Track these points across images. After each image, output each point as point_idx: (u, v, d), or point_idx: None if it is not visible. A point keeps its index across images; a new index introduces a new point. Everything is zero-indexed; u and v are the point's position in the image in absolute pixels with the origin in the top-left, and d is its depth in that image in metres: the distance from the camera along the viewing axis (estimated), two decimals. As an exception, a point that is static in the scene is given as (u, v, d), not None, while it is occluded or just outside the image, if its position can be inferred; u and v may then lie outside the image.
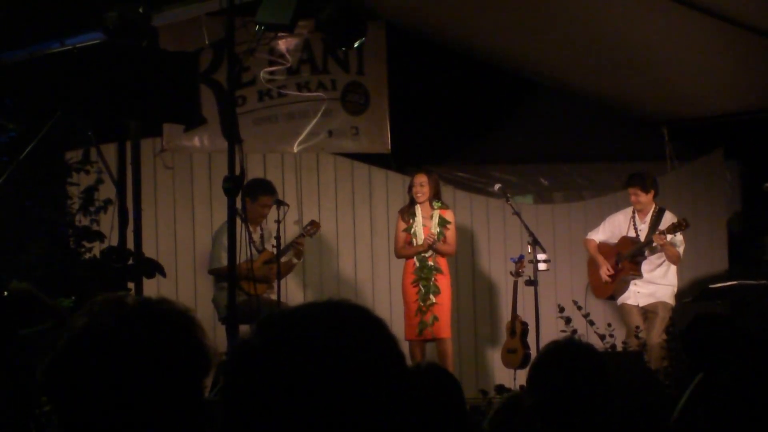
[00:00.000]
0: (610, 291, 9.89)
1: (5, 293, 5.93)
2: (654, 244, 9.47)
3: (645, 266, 9.67)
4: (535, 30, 10.10)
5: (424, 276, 9.58)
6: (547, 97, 11.73)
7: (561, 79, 11.40)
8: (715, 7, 8.81)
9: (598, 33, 9.88)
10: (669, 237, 9.36)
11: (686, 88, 10.73)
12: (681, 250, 9.61)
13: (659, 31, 9.58)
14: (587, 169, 12.06)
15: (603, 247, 9.93)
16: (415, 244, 9.64)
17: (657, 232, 9.42)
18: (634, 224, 9.80)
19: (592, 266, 10.07)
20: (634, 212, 9.84)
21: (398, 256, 9.87)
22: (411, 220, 9.68)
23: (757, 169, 11.66)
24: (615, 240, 9.87)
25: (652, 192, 9.76)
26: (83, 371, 1.85)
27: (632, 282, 9.72)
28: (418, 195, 9.65)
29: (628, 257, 9.65)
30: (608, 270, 9.75)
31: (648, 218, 9.74)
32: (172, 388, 1.86)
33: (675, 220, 9.41)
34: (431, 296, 9.54)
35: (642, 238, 9.65)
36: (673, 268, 9.76)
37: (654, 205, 9.79)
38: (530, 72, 11.52)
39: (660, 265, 9.69)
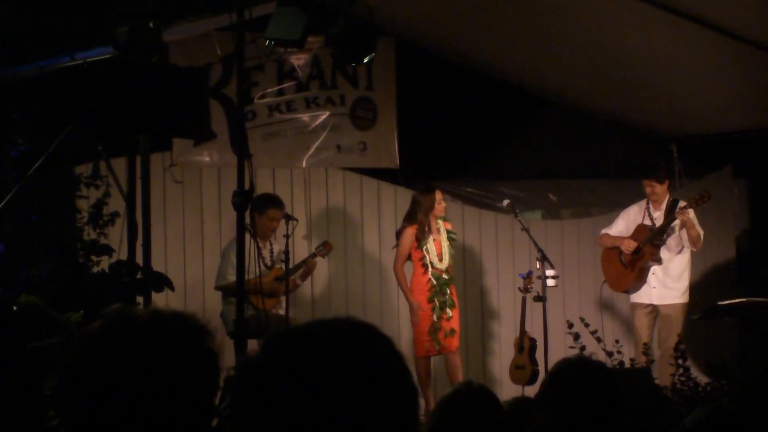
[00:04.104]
0: (629, 283, 9.86)
1: (14, 307, 5.94)
2: (676, 222, 9.48)
3: (664, 253, 9.70)
4: (544, 47, 10.11)
5: (440, 290, 9.55)
6: (556, 113, 11.74)
7: (569, 96, 11.41)
8: (723, 24, 8.81)
9: (607, 50, 9.88)
10: (691, 213, 9.39)
11: (695, 105, 10.73)
12: (701, 232, 9.63)
13: (668, 48, 9.58)
14: (596, 186, 12.05)
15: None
16: (428, 261, 9.60)
17: (679, 208, 9.45)
18: (649, 213, 9.84)
19: (606, 262, 10.05)
20: (648, 203, 9.87)
21: (396, 271, 9.78)
22: (427, 237, 9.60)
23: (765, 187, 11.66)
24: (628, 233, 9.88)
25: (667, 182, 9.88)
26: (93, 386, 1.85)
27: (651, 272, 9.73)
28: (441, 211, 9.68)
29: (648, 241, 9.65)
30: (631, 242, 9.73)
31: (663, 206, 9.78)
32: (183, 400, 1.87)
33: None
34: (448, 310, 9.52)
35: (657, 226, 9.69)
36: (689, 267, 9.80)
37: (668, 195, 9.84)
38: (539, 88, 11.53)
39: (679, 253, 9.73)
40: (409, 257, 9.74)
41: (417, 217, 9.67)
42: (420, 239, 9.64)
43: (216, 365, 1.94)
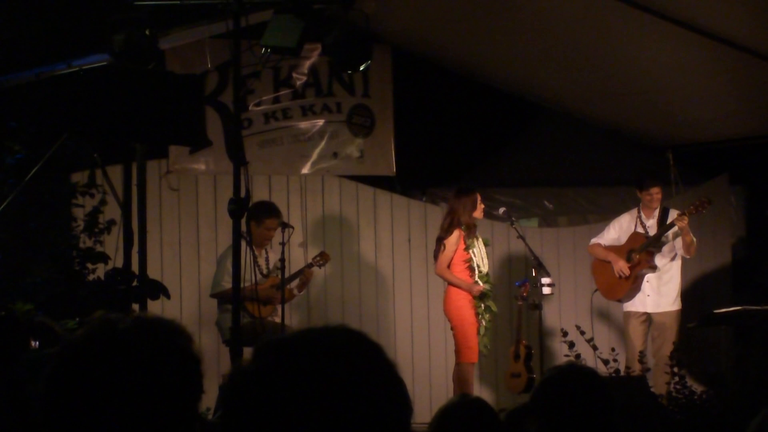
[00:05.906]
0: (624, 291, 9.84)
1: (13, 313, 5.94)
2: (674, 228, 9.49)
3: (658, 260, 9.70)
4: (540, 55, 10.12)
5: (485, 294, 9.44)
6: (552, 120, 11.74)
7: (566, 104, 11.41)
8: (719, 32, 8.82)
9: (604, 58, 9.89)
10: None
11: (691, 113, 10.73)
12: (695, 239, 9.65)
13: (664, 57, 9.59)
14: (592, 193, 12.04)
15: (610, 250, 9.93)
16: (476, 264, 9.45)
17: (678, 214, 9.46)
18: (642, 222, 9.85)
19: (598, 270, 10.03)
20: (639, 212, 9.89)
21: (441, 272, 9.50)
22: (472, 238, 9.49)
23: (762, 195, 11.66)
24: (620, 242, 9.88)
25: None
26: (76, 393, 1.85)
27: (645, 280, 9.73)
28: (481, 212, 9.58)
29: (644, 249, 9.65)
30: (625, 266, 9.71)
31: (655, 214, 9.79)
32: (165, 405, 1.87)
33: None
34: (488, 316, 9.45)
35: (651, 234, 9.69)
36: (680, 274, 9.83)
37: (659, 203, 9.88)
38: (535, 96, 11.53)
39: (672, 260, 9.75)
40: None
41: (462, 219, 9.41)
42: (467, 241, 9.42)
43: (198, 370, 1.94)
